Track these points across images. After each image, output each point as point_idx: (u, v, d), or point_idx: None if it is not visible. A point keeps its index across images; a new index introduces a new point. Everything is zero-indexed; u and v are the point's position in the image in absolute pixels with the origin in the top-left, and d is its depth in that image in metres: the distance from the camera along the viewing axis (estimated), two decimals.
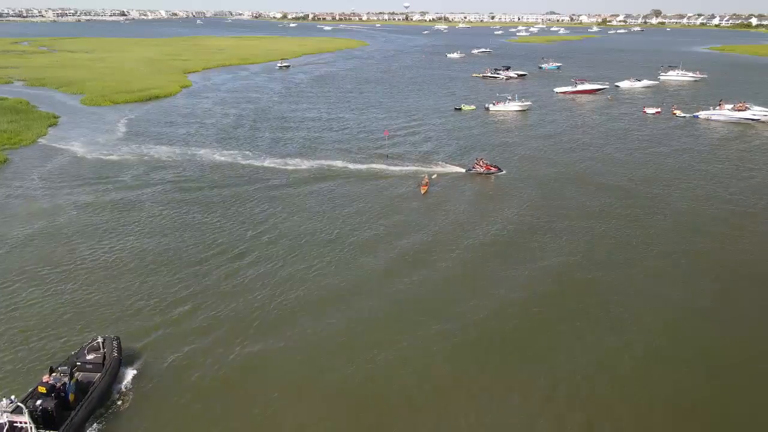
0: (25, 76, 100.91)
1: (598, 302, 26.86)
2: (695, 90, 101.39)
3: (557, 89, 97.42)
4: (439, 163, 50.09)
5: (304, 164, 49.18)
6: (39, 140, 56.62)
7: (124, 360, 21.36)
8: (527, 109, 78.12)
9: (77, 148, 53.46)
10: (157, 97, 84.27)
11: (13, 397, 17.71)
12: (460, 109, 78.60)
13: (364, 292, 27.51)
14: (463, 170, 47.56)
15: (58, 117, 67.94)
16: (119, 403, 19.79)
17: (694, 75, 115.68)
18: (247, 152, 53.04)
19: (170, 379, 21.05)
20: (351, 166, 48.81)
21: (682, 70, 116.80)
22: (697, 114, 74.22)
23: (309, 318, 25.06)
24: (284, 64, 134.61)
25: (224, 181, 44.13)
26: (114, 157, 50.64)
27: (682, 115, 74.92)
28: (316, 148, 55.44)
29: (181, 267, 29.44)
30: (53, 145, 54.86)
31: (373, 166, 48.87)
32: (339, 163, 49.38)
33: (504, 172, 47.20)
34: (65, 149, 53.07)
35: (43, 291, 26.74)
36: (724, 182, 45.87)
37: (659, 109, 77.01)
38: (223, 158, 50.96)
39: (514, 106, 78.12)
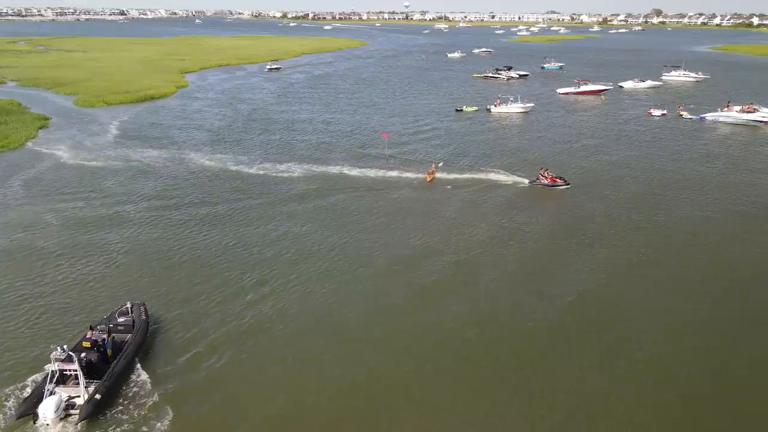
0: (19, 76, 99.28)
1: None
2: (698, 91, 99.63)
3: (559, 90, 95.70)
4: (500, 171, 46.89)
5: (298, 169, 47.41)
6: (27, 143, 54.99)
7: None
8: (529, 111, 76.42)
9: (64, 152, 51.72)
10: (152, 98, 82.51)
11: (65, 346, 19.27)
12: (461, 110, 76.88)
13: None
14: (526, 181, 44.21)
15: (49, 118, 66.28)
16: (149, 359, 21.78)
17: (696, 76, 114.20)
18: (241, 156, 51.38)
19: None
20: (347, 171, 46.98)
21: (684, 71, 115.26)
22: (703, 116, 72.48)
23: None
24: (274, 66, 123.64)
25: (215, 188, 42.48)
26: (100, 163, 48.75)
27: (689, 116, 73.16)
28: (314, 150, 53.71)
29: (174, 267, 27.96)
30: (40, 149, 53.13)
31: (371, 171, 46.98)
32: (335, 168, 47.62)
33: (570, 185, 43.23)
34: (53, 153, 51.36)
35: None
36: None
37: (665, 111, 75.31)
38: (213, 163, 49.19)
39: (516, 107, 76.42)
